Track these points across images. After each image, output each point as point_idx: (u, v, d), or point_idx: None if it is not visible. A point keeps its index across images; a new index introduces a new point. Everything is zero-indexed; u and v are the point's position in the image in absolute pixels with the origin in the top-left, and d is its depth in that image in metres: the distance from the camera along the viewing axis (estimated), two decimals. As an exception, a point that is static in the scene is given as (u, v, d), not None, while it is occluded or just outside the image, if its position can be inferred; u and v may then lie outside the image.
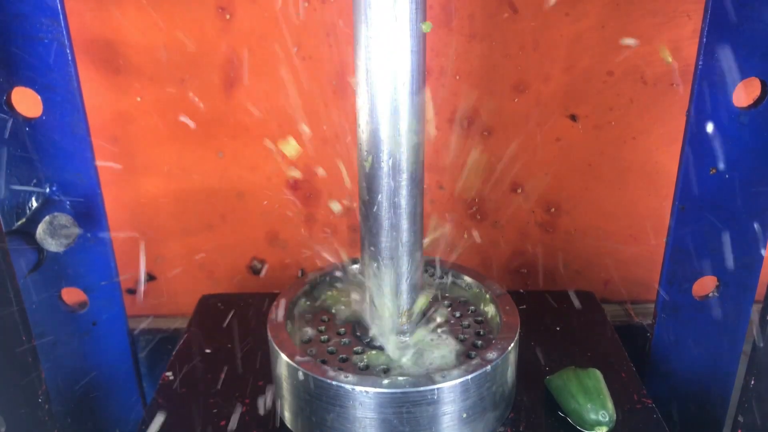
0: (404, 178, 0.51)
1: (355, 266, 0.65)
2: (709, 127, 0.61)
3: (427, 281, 0.65)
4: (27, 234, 0.58)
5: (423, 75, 0.49)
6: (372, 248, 0.54)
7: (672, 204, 0.65)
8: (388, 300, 0.55)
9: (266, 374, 0.61)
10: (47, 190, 0.63)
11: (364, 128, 0.50)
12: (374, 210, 0.52)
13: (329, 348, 0.56)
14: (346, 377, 0.50)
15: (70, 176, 0.63)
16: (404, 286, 0.55)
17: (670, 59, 0.61)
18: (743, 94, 0.60)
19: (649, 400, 0.59)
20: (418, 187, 0.53)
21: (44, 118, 0.61)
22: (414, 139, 0.50)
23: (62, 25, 0.58)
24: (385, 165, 0.51)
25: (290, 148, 0.62)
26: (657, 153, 0.75)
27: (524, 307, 0.72)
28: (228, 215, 0.79)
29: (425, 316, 0.59)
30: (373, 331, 0.57)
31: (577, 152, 0.76)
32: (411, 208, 0.53)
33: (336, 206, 0.61)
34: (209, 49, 0.71)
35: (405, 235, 0.53)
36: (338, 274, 0.65)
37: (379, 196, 0.52)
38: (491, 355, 0.52)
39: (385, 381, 0.50)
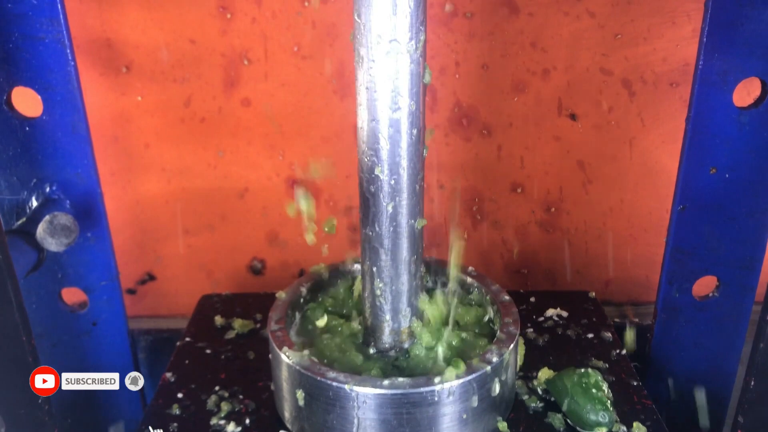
0: (404, 197, 0.51)
1: (357, 266, 0.65)
2: (709, 127, 0.61)
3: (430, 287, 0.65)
4: (27, 234, 0.58)
5: (423, 94, 0.49)
6: (372, 266, 0.54)
7: (672, 204, 0.65)
8: (388, 317, 0.55)
9: (266, 375, 0.61)
10: (47, 189, 0.63)
11: (365, 148, 0.50)
12: (375, 229, 0.52)
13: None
14: (346, 378, 0.50)
15: (70, 176, 0.63)
16: (404, 304, 0.55)
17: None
18: (743, 94, 0.60)
19: (648, 400, 0.59)
20: (418, 206, 0.53)
21: (44, 117, 0.61)
22: (414, 159, 0.50)
23: (62, 25, 0.58)
24: (386, 185, 0.51)
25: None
26: (657, 153, 0.75)
27: (524, 307, 0.73)
28: (228, 215, 0.79)
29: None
30: (374, 349, 0.57)
31: (577, 152, 0.76)
32: (411, 228, 0.53)
33: (311, 237, 0.61)
34: (210, 48, 0.71)
35: (405, 254, 0.53)
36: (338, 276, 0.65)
37: (380, 217, 0.52)
38: (491, 356, 0.52)
39: (385, 382, 0.50)
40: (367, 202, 0.52)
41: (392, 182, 0.51)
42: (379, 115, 0.49)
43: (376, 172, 0.50)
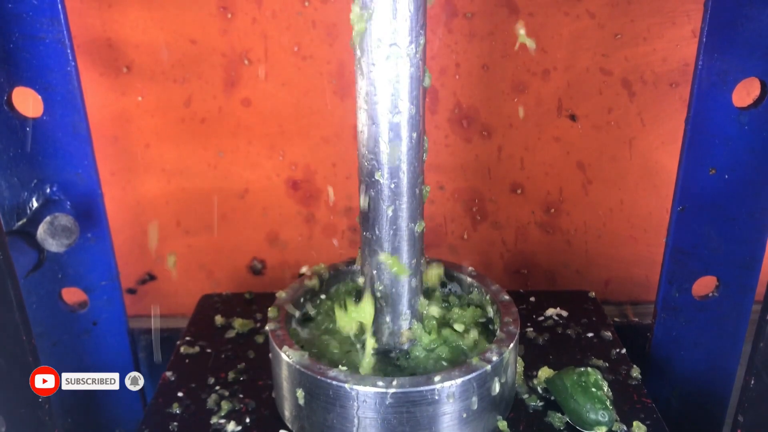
0: (404, 201, 0.51)
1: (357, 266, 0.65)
2: (709, 127, 0.61)
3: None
4: (27, 234, 0.58)
5: (423, 97, 0.50)
6: (373, 269, 0.54)
7: (672, 204, 0.65)
8: (388, 319, 0.55)
9: (266, 374, 0.61)
10: (48, 190, 0.63)
11: (365, 152, 0.50)
12: (375, 232, 0.52)
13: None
14: (346, 376, 0.50)
15: (71, 176, 0.63)
16: (404, 307, 0.55)
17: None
18: (743, 94, 0.60)
19: (648, 400, 0.59)
20: (418, 209, 0.53)
21: (45, 118, 0.61)
22: (414, 162, 0.50)
23: (63, 24, 0.58)
24: (386, 189, 0.51)
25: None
26: (657, 153, 0.75)
27: (524, 307, 0.73)
28: (228, 215, 0.79)
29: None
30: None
31: (577, 152, 0.76)
32: (410, 231, 0.53)
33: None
34: (210, 48, 0.71)
35: (405, 257, 0.53)
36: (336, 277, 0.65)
37: (380, 220, 0.52)
38: (491, 355, 0.52)
39: (385, 381, 0.50)
40: (369, 206, 0.52)
41: (392, 186, 0.51)
42: (379, 118, 0.49)
43: (377, 176, 0.50)
